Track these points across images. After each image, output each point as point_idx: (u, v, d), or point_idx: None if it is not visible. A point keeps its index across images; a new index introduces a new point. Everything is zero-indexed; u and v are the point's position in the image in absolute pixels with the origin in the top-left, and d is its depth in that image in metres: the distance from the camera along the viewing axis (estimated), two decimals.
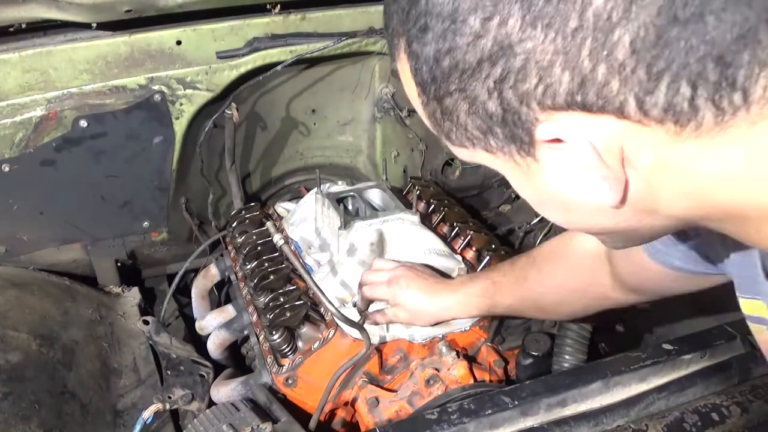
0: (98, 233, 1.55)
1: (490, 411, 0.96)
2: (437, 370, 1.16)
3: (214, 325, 1.45)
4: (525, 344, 1.19)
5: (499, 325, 1.25)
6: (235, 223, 1.56)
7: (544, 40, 0.41)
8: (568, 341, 1.16)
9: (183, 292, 1.67)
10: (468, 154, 0.52)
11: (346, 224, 1.34)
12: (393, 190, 1.56)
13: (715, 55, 0.38)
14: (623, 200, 0.46)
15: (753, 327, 0.66)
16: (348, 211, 1.54)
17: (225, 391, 1.26)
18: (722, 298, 0.77)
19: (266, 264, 1.37)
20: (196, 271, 1.65)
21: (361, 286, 1.22)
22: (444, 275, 1.27)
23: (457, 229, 1.49)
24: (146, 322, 1.42)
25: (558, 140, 0.44)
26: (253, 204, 1.62)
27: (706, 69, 0.38)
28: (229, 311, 1.47)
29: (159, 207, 1.57)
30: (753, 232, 0.47)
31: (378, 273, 1.21)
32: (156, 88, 1.39)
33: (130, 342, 1.39)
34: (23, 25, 1.29)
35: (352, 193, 1.56)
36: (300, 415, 1.13)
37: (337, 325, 1.19)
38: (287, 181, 1.83)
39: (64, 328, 1.31)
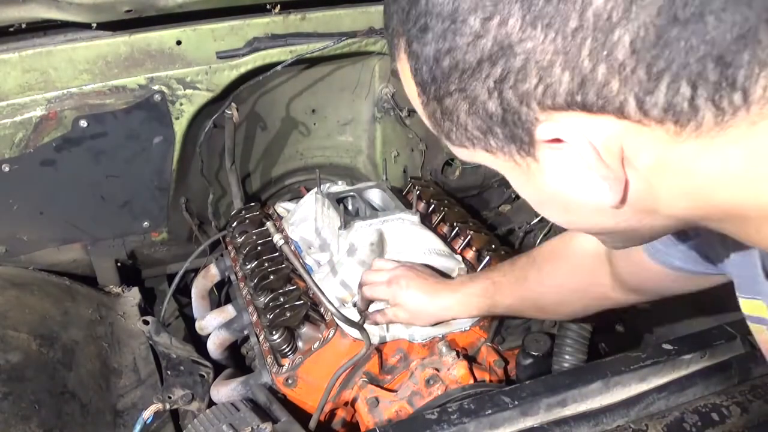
0: (98, 233, 1.55)
1: (490, 411, 0.96)
2: (437, 370, 1.16)
3: (214, 325, 1.45)
4: (525, 344, 1.19)
5: (499, 325, 1.25)
6: (235, 223, 1.56)
7: (544, 40, 0.41)
8: (568, 341, 1.16)
9: (183, 292, 1.67)
10: (468, 154, 0.52)
11: (346, 224, 1.34)
12: (393, 190, 1.56)
13: (715, 55, 0.38)
14: (623, 200, 0.46)
15: (753, 327, 0.66)
16: (348, 211, 1.54)
17: (225, 391, 1.26)
18: (722, 298, 0.77)
19: (266, 264, 1.37)
20: (196, 271, 1.65)
21: (361, 286, 1.22)
22: (444, 275, 1.27)
23: (457, 229, 1.49)
24: (146, 322, 1.42)
25: (558, 140, 0.44)
26: (253, 204, 1.62)
27: (706, 69, 0.38)
28: (229, 311, 1.47)
29: (159, 207, 1.57)
30: (753, 232, 0.47)
31: (378, 273, 1.21)
32: (156, 88, 1.39)
33: (130, 342, 1.39)
34: (23, 25, 1.29)
35: (352, 193, 1.56)
36: (300, 415, 1.13)
37: (337, 325, 1.19)
38: (287, 181, 1.83)
39: (64, 328, 1.31)
